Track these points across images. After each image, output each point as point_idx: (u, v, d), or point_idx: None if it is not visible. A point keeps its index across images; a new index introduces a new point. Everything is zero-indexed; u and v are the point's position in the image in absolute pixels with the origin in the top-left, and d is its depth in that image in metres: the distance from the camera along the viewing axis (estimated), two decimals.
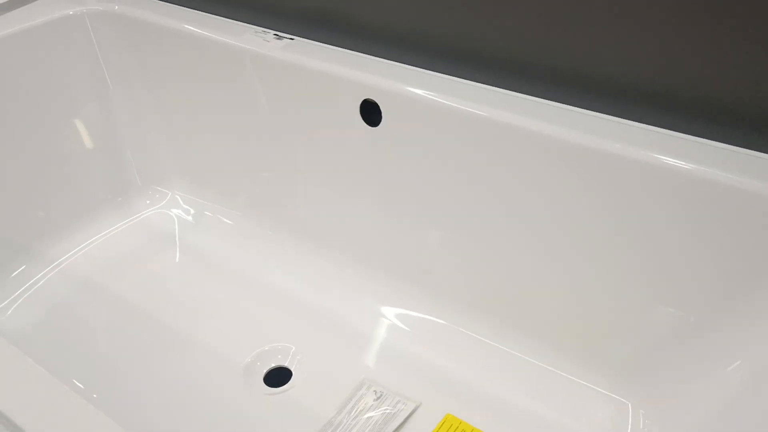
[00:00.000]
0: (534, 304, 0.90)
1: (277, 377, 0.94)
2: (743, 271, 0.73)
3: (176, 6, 1.13)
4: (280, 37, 1.03)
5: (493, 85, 0.90)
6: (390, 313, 1.00)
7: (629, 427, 0.80)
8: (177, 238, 1.14)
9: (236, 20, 1.10)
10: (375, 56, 0.98)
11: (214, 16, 1.09)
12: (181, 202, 1.20)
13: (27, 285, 1.05)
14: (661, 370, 0.80)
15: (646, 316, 0.81)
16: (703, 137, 0.77)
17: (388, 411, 0.88)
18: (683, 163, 0.73)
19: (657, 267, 0.78)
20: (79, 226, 1.14)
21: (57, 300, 1.04)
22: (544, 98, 0.86)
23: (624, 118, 0.81)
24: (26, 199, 1.10)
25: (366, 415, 0.87)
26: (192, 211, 1.18)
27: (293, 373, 0.94)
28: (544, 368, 0.90)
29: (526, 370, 0.90)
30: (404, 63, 0.97)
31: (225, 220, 1.15)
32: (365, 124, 0.96)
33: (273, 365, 0.95)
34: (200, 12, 1.11)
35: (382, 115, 0.93)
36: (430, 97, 0.87)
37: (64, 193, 1.14)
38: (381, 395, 0.90)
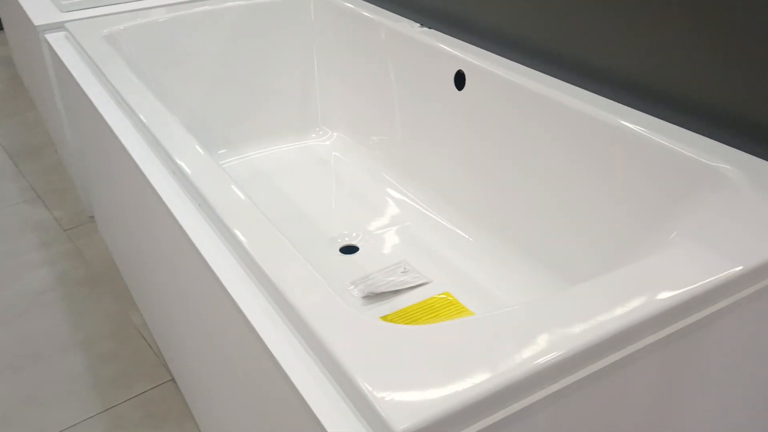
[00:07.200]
0: (524, 230, 1.18)
1: (349, 250, 1.32)
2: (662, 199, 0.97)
3: (365, 2, 1.59)
4: (422, 26, 1.44)
5: (535, 69, 1.21)
6: (432, 224, 1.33)
7: None
8: (330, 162, 1.58)
9: (402, 16, 1.52)
10: (469, 43, 1.34)
11: (390, 12, 1.53)
12: (336, 139, 1.64)
13: (220, 162, 1.56)
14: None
15: (597, 235, 1.06)
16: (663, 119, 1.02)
17: (405, 279, 1.21)
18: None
19: (607, 198, 1.04)
20: (269, 138, 1.64)
21: (237, 178, 1.52)
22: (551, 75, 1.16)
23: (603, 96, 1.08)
24: (246, 113, 1.62)
25: (391, 278, 1.22)
26: (341, 146, 1.62)
27: (359, 248, 1.31)
28: (521, 273, 1.17)
29: (511, 273, 1.18)
30: (485, 49, 1.32)
31: (362, 154, 1.57)
32: (455, 88, 1.32)
33: (348, 241, 1.33)
34: (382, 10, 1.56)
35: (466, 82, 1.29)
36: (496, 72, 1.21)
37: (269, 116, 1.64)
38: (407, 271, 1.23)
